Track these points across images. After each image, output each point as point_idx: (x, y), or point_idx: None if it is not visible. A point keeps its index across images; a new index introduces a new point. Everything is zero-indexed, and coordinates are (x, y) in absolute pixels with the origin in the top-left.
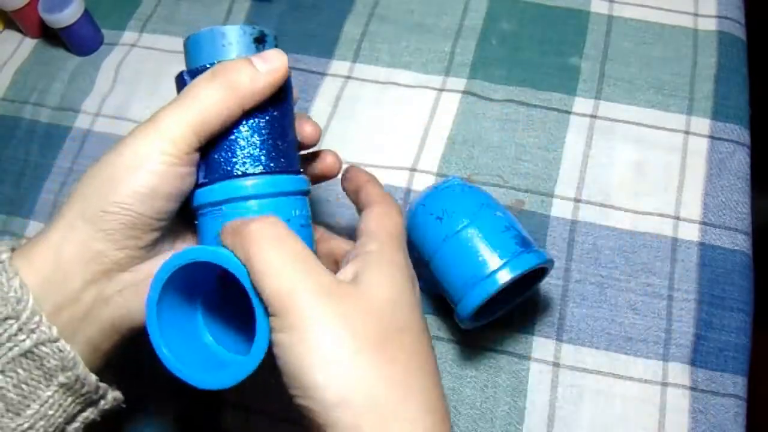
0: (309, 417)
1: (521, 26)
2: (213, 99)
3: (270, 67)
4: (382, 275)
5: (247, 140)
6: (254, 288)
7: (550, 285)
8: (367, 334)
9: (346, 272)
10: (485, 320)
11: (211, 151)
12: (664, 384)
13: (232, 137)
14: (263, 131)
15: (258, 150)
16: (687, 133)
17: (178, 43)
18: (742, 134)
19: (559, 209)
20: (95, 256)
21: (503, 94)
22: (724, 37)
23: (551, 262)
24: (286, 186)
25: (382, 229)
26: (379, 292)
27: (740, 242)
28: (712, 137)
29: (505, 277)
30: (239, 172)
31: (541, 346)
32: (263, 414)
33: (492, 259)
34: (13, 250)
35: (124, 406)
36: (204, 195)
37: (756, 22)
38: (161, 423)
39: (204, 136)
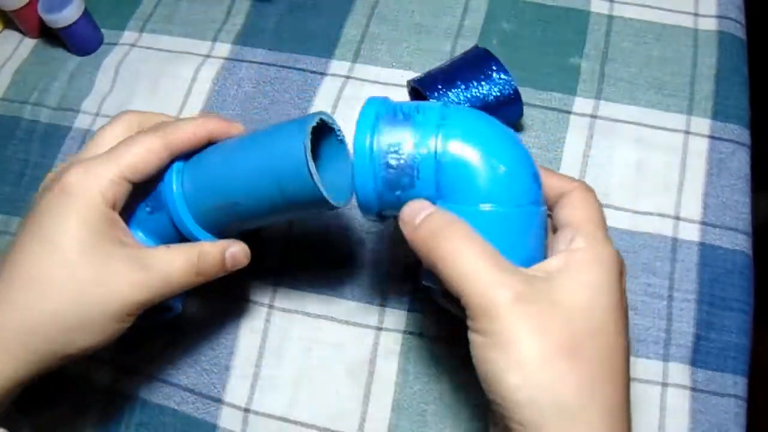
0: (497, 411)
1: (521, 26)
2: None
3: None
4: (583, 277)
5: None
6: (446, 280)
7: None
8: (559, 340)
9: (548, 266)
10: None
11: None
12: (664, 384)
13: None
14: None
15: None
16: (687, 133)
17: (178, 43)
18: (742, 134)
19: None
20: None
21: None
22: (724, 37)
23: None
24: None
25: (588, 221)
26: (576, 296)
27: (740, 242)
28: (712, 137)
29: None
30: None
31: None
32: (263, 415)
33: None
34: None
35: None
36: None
37: (756, 22)
38: (159, 421)
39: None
